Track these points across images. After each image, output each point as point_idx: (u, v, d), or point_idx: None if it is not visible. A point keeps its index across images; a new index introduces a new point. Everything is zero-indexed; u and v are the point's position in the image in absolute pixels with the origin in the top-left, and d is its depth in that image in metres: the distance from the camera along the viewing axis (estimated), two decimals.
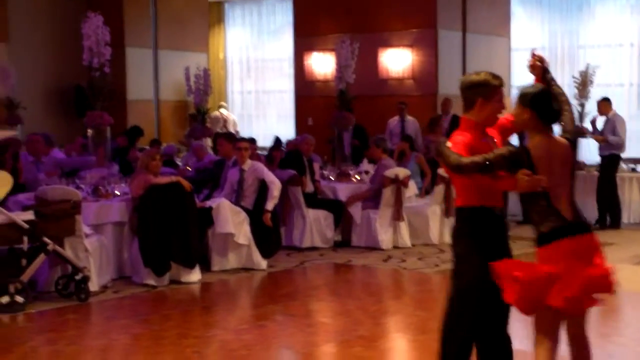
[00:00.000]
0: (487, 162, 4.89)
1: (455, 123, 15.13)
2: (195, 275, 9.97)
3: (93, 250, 9.29)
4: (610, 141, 13.72)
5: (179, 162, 13.41)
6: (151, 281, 9.67)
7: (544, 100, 5.13)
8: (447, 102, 15.79)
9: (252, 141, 13.24)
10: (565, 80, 15.78)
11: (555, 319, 5.11)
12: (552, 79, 5.39)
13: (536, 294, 4.98)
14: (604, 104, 14.24)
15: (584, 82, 15.30)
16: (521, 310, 5.08)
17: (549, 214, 5.02)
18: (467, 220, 5.17)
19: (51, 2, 20.21)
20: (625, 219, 14.22)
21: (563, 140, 5.20)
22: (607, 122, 13.96)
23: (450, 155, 4.96)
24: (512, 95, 17.92)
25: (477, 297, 5.15)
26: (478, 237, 5.13)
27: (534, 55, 5.45)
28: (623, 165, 14.67)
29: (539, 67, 5.40)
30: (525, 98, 5.12)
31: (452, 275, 5.33)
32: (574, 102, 14.68)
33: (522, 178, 4.92)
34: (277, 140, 15.46)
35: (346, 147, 15.03)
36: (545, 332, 5.13)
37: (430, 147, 14.12)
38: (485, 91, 5.13)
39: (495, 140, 5.26)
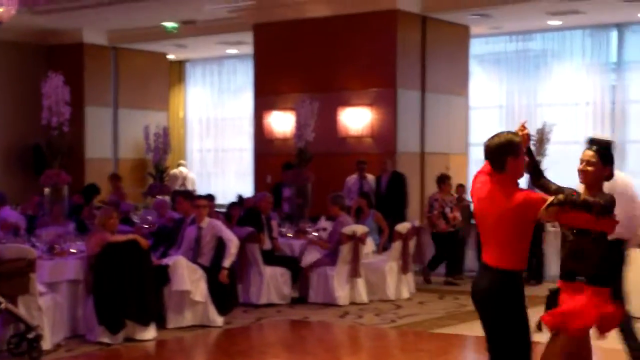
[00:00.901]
0: (607, 205, 5.09)
1: (395, 179, 15.21)
2: (150, 333, 9.89)
3: (47, 309, 9.18)
4: None
5: (136, 220, 13.36)
6: (105, 339, 9.56)
7: (613, 156, 5.44)
8: (386, 161, 15.70)
9: (210, 198, 13.26)
10: None
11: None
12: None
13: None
14: None
15: (540, 140, 15.50)
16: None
17: None
18: (509, 283, 5.25)
19: (12, 61, 20.24)
20: None
21: None
22: None
23: (588, 198, 5.08)
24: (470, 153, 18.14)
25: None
26: (519, 299, 5.27)
27: (523, 126, 5.60)
28: None
29: (527, 139, 5.56)
30: (608, 156, 5.38)
31: (498, 338, 5.34)
32: None
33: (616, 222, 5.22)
34: (239, 198, 15.45)
35: (286, 204, 15.07)
36: None
37: (435, 205, 14.21)
38: (512, 149, 5.24)
39: None
